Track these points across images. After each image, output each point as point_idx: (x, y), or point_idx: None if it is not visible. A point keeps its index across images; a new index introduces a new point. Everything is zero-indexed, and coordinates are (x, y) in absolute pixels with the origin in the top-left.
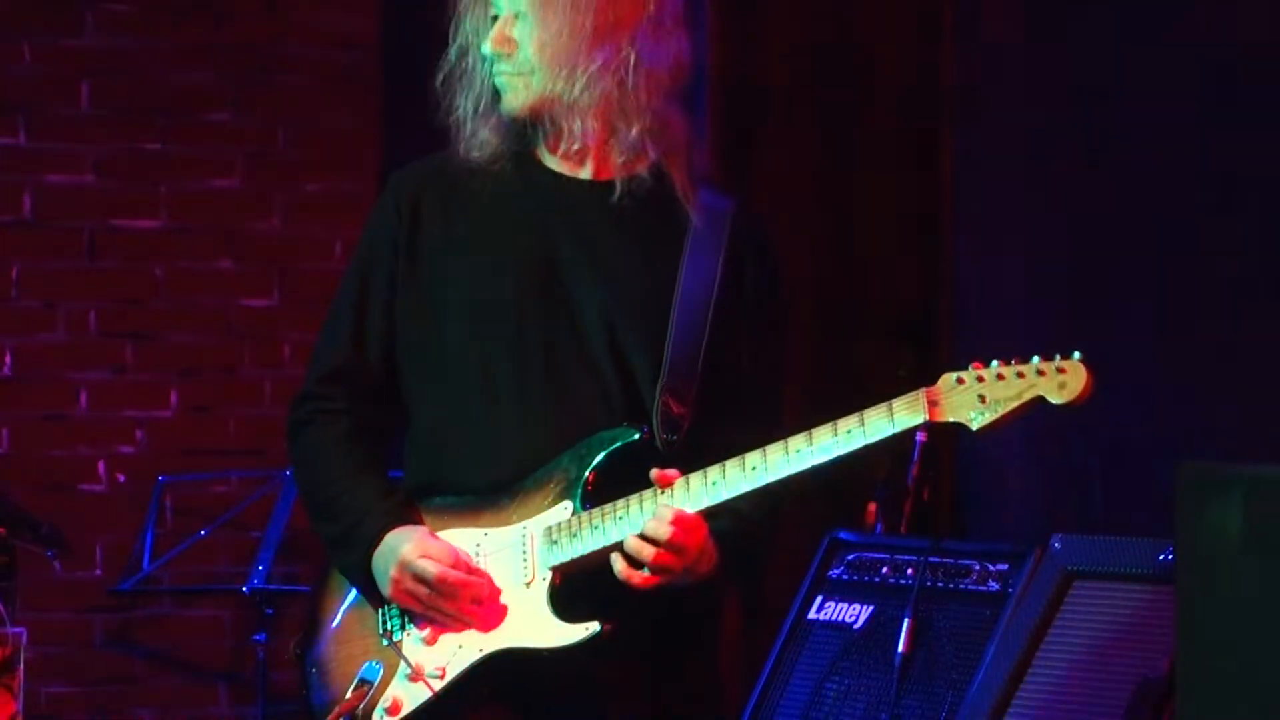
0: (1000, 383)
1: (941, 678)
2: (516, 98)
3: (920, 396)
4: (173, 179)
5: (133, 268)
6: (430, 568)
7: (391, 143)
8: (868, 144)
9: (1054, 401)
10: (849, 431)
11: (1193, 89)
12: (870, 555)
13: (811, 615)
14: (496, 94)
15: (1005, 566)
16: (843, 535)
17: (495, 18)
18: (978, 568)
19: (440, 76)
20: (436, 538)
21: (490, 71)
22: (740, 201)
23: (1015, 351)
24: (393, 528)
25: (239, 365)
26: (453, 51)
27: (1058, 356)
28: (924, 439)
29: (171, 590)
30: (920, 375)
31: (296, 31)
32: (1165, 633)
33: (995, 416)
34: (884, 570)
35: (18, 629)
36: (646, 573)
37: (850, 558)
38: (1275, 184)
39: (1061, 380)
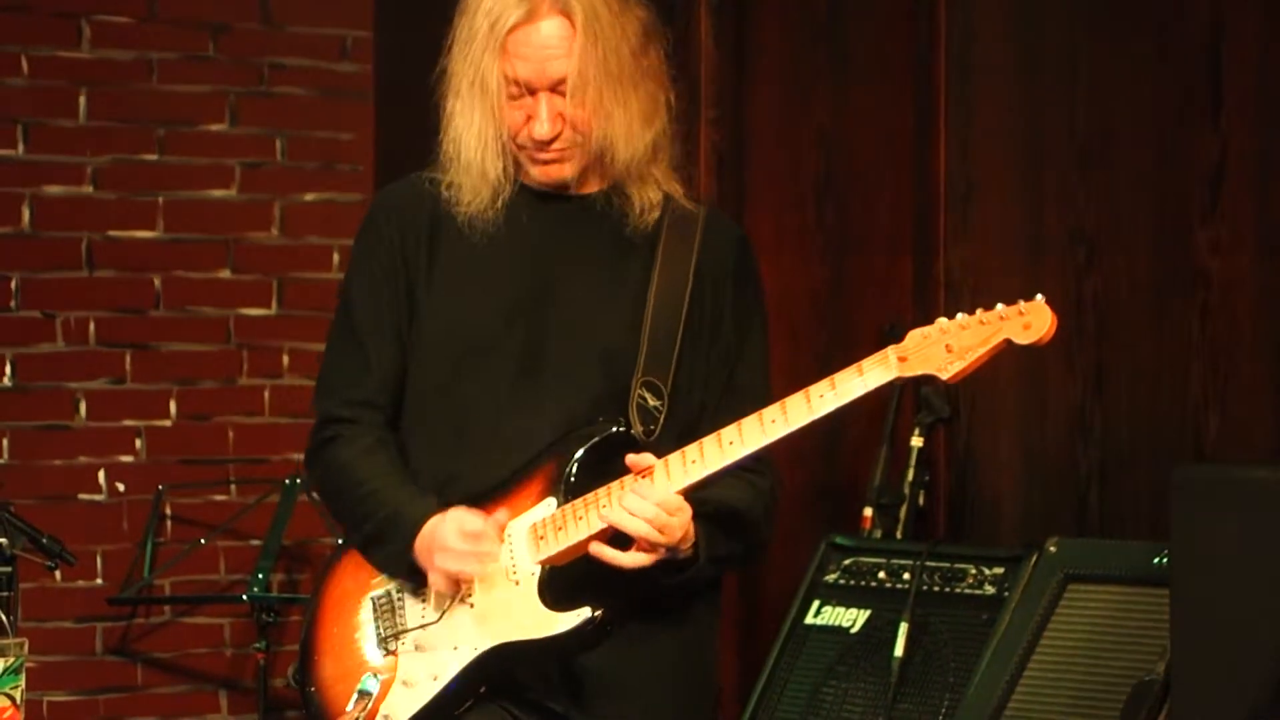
0: (965, 331)
1: (938, 681)
2: (561, 171)
3: (889, 353)
4: (170, 190)
5: (131, 278)
6: (464, 526)
7: (388, 153)
8: (861, 148)
9: (1020, 342)
10: (821, 397)
11: (1183, 85)
12: (866, 560)
13: (808, 620)
14: (503, 164)
15: (1001, 570)
16: (839, 540)
17: (526, 90)
18: (974, 571)
19: (448, 150)
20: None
21: (516, 146)
22: (712, 207)
23: (1012, 365)
24: (434, 515)
25: (238, 374)
26: (465, 124)
27: (1020, 301)
28: (920, 443)
29: (172, 599)
30: (915, 379)
31: (293, 43)
32: (1160, 635)
33: (964, 364)
34: (880, 575)
35: (19, 639)
36: (633, 553)
37: (847, 562)
38: (1266, 181)
39: (1025, 321)
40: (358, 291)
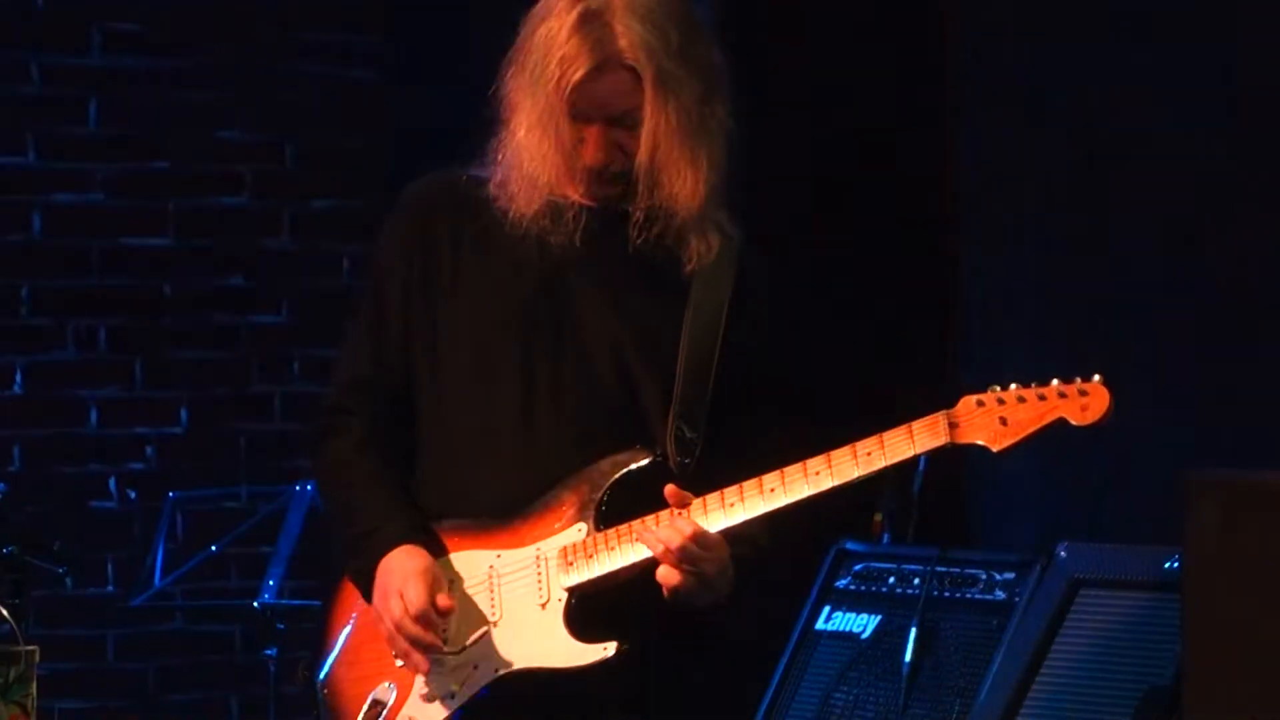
0: (1021, 405)
1: (949, 687)
2: (610, 196)
3: (941, 419)
4: (181, 197)
5: (142, 285)
6: (395, 608)
7: (399, 159)
8: (872, 153)
9: (1076, 423)
10: (869, 454)
11: (1201, 97)
12: (877, 565)
13: (819, 625)
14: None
15: (1012, 575)
16: (849, 545)
17: (584, 119)
18: (984, 576)
19: (507, 160)
20: (428, 578)
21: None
22: (746, 237)
23: (1023, 369)
24: (406, 543)
25: (249, 382)
26: (534, 148)
27: (1078, 379)
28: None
29: (183, 606)
30: (929, 400)
31: (304, 49)
32: (1171, 640)
33: (1016, 438)
34: (891, 580)
35: (30, 646)
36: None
37: (857, 568)
38: (1277, 182)
39: (1084, 403)
40: (373, 275)
